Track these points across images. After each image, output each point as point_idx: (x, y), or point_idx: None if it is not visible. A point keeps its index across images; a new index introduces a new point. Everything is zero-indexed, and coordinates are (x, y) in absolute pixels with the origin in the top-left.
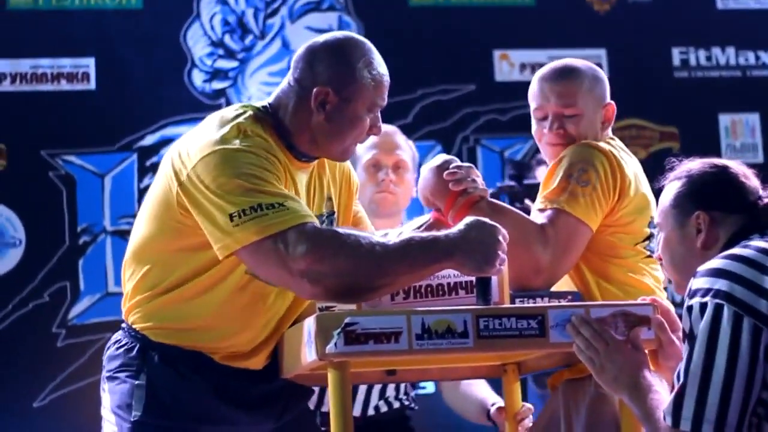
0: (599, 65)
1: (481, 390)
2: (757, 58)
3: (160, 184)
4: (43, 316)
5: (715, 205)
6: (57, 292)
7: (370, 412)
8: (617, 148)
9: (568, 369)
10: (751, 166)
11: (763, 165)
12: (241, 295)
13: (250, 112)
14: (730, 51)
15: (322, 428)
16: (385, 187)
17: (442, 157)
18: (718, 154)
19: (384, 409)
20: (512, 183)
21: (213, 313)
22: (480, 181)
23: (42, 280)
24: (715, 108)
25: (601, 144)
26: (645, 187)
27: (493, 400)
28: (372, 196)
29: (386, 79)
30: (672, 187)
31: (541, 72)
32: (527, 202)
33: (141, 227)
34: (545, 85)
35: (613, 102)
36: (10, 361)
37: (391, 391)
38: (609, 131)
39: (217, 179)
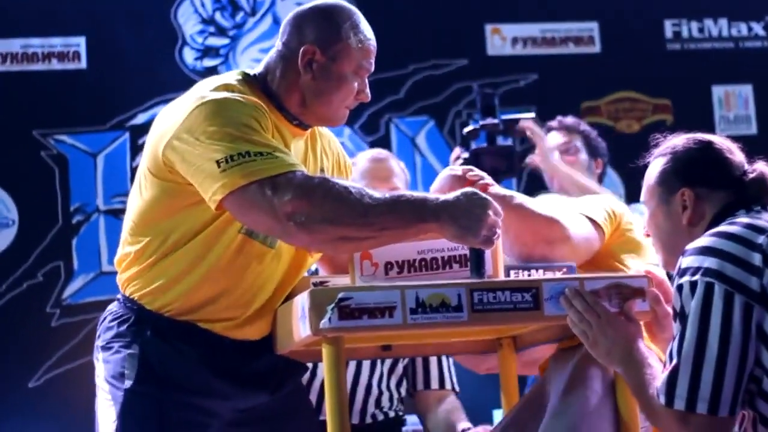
0: (591, 38)
1: (455, 415)
2: (750, 29)
3: (149, 150)
4: (37, 296)
5: (700, 181)
6: (51, 272)
7: (368, 420)
8: None
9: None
10: (745, 137)
11: (757, 136)
12: (237, 257)
13: (239, 77)
14: (723, 22)
15: None
16: None
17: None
18: (712, 126)
19: (380, 417)
20: (494, 120)
21: (208, 274)
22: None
23: (36, 260)
24: (708, 80)
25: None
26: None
27: (463, 425)
28: None
29: (372, 44)
30: (657, 164)
31: None
32: (509, 140)
33: (133, 200)
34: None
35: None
36: (5, 342)
37: (386, 401)
38: None
39: (207, 129)
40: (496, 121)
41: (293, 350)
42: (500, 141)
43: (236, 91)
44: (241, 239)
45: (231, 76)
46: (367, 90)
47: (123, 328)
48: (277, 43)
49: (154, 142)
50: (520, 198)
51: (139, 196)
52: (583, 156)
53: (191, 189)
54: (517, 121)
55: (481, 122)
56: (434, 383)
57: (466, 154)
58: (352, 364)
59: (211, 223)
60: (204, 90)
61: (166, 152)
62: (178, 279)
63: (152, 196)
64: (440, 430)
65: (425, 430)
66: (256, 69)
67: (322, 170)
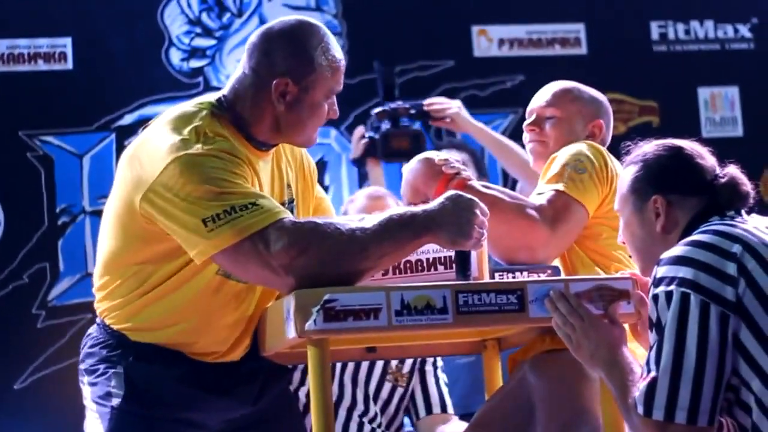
0: (578, 40)
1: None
2: (736, 31)
3: (122, 191)
4: (22, 298)
5: (672, 188)
6: (36, 273)
7: None
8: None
9: (547, 341)
10: (731, 139)
11: (743, 138)
12: (216, 297)
13: (206, 111)
14: (709, 24)
15: None
16: None
17: (428, 152)
18: (698, 128)
19: None
20: (404, 104)
21: (186, 312)
22: (468, 170)
23: (21, 261)
24: (695, 81)
25: (593, 142)
26: None
27: None
28: None
29: (343, 63)
30: (628, 171)
31: None
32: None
33: (107, 238)
34: (542, 90)
35: (602, 122)
36: None
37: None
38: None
39: (185, 187)
40: (407, 105)
41: (279, 352)
42: (404, 122)
43: (209, 135)
44: (218, 280)
45: (198, 112)
46: (336, 107)
47: (105, 352)
48: (245, 66)
49: (128, 188)
50: (497, 193)
51: (111, 235)
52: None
53: (168, 237)
54: (421, 105)
55: (392, 106)
56: (436, 408)
57: (370, 134)
58: (346, 404)
59: (187, 265)
60: (176, 137)
61: (143, 204)
62: (156, 317)
63: (125, 240)
64: None
65: None
66: (223, 91)
67: (288, 186)
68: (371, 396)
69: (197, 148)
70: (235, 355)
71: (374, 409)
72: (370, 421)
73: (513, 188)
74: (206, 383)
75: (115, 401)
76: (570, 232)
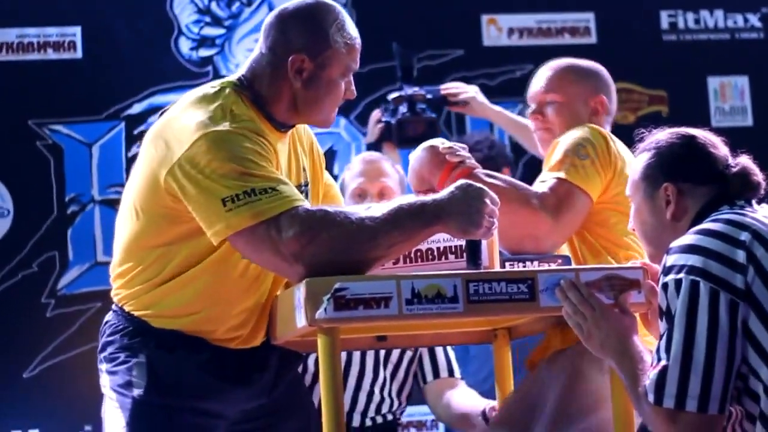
0: (587, 29)
1: (473, 399)
2: (746, 20)
3: (146, 170)
4: (32, 287)
5: (683, 176)
6: (46, 262)
7: (368, 423)
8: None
9: (555, 340)
10: (740, 129)
11: (752, 128)
12: (240, 281)
13: (228, 89)
14: (719, 14)
15: None
16: None
17: (433, 140)
18: (707, 118)
19: (379, 420)
20: (420, 90)
21: (212, 297)
22: (472, 159)
23: (30, 250)
24: (704, 71)
25: (595, 126)
26: None
27: (486, 403)
28: None
29: (358, 42)
30: (641, 158)
31: None
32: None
33: (129, 221)
34: (538, 75)
35: (604, 96)
36: (0, 332)
37: (386, 407)
38: (607, 127)
39: (211, 164)
40: (422, 91)
41: (289, 340)
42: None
43: (235, 113)
44: (244, 263)
45: (223, 91)
46: (353, 87)
47: (126, 340)
48: (261, 46)
49: (153, 166)
50: (500, 182)
51: (133, 220)
52: None
53: (191, 217)
54: (438, 90)
55: (409, 91)
56: (443, 372)
57: (386, 118)
58: (355, 370)
59: (214, 251)
60: (202, 114)
61: (168, 180)
62: (180, 305)
63: (148, 221)
64: (456, 415)
65: (438, 418)
66: (241, 71)
67: (303, 169)
68: (381, 360)
69: (225, 125)
70: (257, 340)
71: (384, 374)
72: (381, 390)
73: (522, 176)
74: (228, 371)
75: (137, 392)
76: (574, 220)
